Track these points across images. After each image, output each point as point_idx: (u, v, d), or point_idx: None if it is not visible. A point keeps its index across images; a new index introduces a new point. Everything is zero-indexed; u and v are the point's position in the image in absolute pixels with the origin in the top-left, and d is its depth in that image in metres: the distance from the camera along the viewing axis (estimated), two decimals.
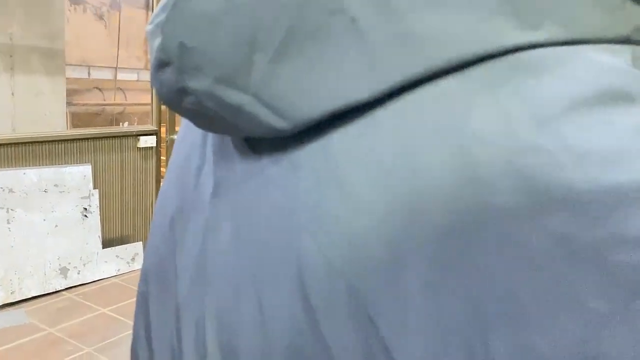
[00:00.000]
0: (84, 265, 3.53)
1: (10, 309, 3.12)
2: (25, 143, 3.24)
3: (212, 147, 0.35)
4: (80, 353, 2.74)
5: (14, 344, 2.77)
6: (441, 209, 0.21)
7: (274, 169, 0.29)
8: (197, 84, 0.28)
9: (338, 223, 0.24)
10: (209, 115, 0.30)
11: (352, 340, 0.23)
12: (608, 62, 0.22)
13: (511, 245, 0.20)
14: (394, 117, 0.24)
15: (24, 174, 3.20)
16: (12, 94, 3.50)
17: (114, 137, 3.71)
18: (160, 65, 0.30)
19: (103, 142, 3.64)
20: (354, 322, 0.23)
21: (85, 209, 3.52)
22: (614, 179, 0.19)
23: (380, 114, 0.25)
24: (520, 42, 0.23)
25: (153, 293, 0.40)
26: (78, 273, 3.51)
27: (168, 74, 0.30)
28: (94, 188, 3.58)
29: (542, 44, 0.23)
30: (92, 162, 3.58)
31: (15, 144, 3.19)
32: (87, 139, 3.56)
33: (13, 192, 3.16)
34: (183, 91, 0.29)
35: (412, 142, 0.23)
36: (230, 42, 0.27)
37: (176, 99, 0.30)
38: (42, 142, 3.29)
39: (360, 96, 0.25)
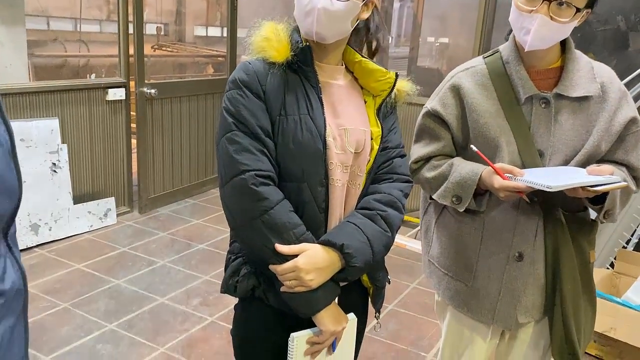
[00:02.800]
0: (55, 221, 3.45)
1: None
2: None
3: None
4: (57, 309, 2.71)
5: None
6: None
7: None
8: None
9: None
10: None
11: None
12: None
13: None
14: None
15: None
16: None
17: (81, 89, 3.58)
18: None
19: (70, 94, 3.51)
20: None
21: (54, 164, 3.42)
22: None
23: None
24: None
25: None
26: (49, 229, 3.44)
27: None
28: (63, 142, 3.47)
29: None
30: (59, 115, 3.45)
31: None
32: (53, 91, 3.42)
33: None
34: None
35: None
36: None
37: None
38: (5, 94, 3.15)
39: None
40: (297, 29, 1.19)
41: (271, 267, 1.14)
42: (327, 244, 1.14)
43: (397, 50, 6.27)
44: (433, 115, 1.44)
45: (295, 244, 1.13)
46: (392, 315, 2.88)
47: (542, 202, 1.34)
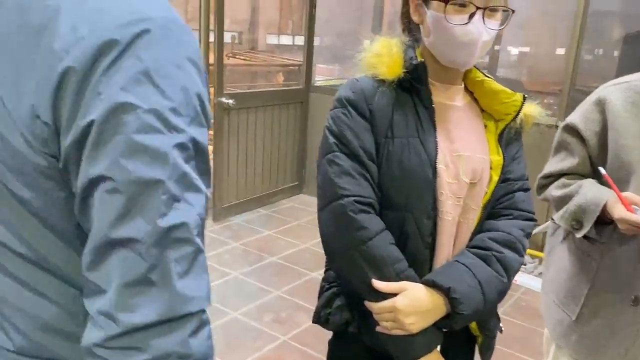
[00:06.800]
0: None
1: None
2: None
3: None
4: None
5: None
6: None
7: None
8: None
9: None
10: None
11: None
12: None
13: None
14: None
15: None
16: None
17: None
18: None
19: None
20: None
21: None
22: None
23: None
24: None
25: None
26: None
27: None
28: None
29: None
30: None
31: None
32: None
33: None
34: None
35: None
36: None
37: None
38: None
39: None
40: (412, 46, 1.08)
41: (367, 303, 1.03)
42: (431, 285, 1.02)
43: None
44: (571, 129, 1.29)
45: (395, 280, 1.01)
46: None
47: None
